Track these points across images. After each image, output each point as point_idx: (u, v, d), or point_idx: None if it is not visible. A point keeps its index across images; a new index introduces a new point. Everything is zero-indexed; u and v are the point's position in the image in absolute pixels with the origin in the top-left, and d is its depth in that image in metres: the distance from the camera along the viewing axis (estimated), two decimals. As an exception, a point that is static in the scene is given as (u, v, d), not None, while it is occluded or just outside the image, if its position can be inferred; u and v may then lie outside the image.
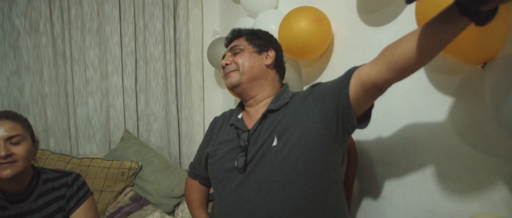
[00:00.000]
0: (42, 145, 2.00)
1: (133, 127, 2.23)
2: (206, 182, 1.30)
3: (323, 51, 1.52)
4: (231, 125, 1.16)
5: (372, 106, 1.02)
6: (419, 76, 1.22)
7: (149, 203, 1.83)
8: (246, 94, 1.14)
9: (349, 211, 1.39)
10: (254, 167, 1.04)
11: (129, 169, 1.89)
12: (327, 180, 1.05)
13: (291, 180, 1.01)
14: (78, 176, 1.26)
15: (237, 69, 1.12)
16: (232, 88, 1.15)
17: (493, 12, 0.62)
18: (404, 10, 1.25)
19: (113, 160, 1.90)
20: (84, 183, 1.26)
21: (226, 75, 1.15)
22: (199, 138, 2.41)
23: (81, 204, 1.22)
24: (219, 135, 1.19)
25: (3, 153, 1.05)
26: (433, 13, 0.97)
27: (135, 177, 1.91)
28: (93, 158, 1.90)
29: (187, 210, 1.74)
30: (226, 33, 2.46)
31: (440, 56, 1.11)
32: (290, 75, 1.55)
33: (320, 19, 1.43)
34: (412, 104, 1.23)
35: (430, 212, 1.20)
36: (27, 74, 1.96)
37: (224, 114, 1.29)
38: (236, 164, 1.06)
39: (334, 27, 1.51)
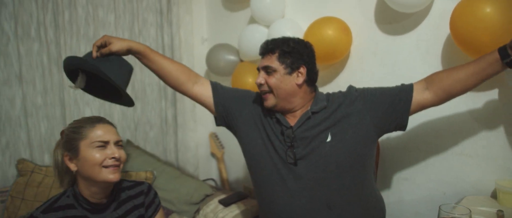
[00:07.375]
0: (37, 161, 1.80)
1: (131, 136, 2.14)
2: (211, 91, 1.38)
3: (344, 56, 1.72)
4: (275, 119, 1.28)
5: None
6: (436, 66, 1.45)
7: (173, 211, 1.80)
8: (283, 109, 1.28)
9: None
10: (306, 160, 1.22)
11: (145, 179, 1.83)
12: (369, 169, 1.29)
13: (345, 170, 1.21)
14: (151, 185, 1.26)
15: (272, 92, 1.24)
16: (271, 109, 1.28)
17: None
18: (423, 21, 1.51)
19: (126, 171, 1.82)
20: (156, 192, 1.26)
21: (262, 97, 1.28)
22: (193, 144, 2.41)
23: (158, 211, 1.23)
24: (258, 121, 1.32)
25: (117, 155, 1.02)
26: (467, 24, 1.24)
27: (152, 186, 1.86)
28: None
29: (210, 215, 1.76)
30: (214, 40, 2.50)
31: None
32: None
33: (345, 28, 1.63)
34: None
35: (453, 185, 1.47)
36: (19, 83, 1.75)
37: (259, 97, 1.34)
38: (285, 158, 1.23)
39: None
